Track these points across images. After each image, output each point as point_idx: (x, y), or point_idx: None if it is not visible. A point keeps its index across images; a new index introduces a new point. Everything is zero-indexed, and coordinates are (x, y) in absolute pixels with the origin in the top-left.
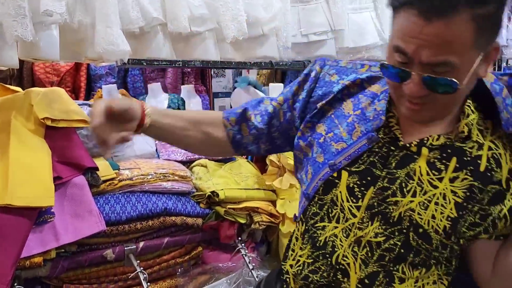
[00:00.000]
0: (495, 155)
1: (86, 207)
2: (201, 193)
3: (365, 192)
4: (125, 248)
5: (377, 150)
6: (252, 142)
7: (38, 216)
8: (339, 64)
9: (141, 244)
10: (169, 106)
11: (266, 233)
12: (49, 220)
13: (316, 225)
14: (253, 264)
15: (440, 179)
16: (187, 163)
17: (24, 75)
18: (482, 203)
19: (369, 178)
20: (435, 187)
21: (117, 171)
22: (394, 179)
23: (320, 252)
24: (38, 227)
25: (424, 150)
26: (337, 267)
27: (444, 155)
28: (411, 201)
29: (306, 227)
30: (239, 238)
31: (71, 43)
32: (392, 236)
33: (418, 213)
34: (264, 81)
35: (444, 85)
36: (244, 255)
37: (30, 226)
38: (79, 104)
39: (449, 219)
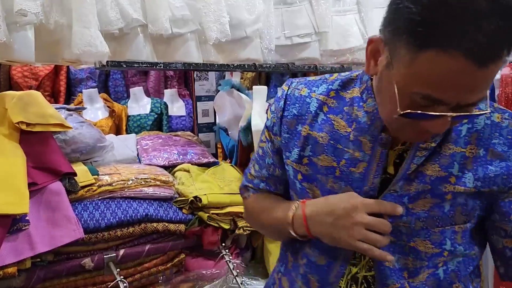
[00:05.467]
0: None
1: (63, 214)
2: (184, 198)
3: None
4: (105, 256)
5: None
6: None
7: (12, 224)
8: (306, 79)
9: (122, 252)
10: (151, 111)
11: (250, 238)
12: (23, 228)
13: None
14: (237, 271)
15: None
16: (170, 168)
17: (1, 79)
18: None
19: None
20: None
21: (96, 176)
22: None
23: None
24: (12, 235)
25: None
26: None
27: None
28: None
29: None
30: (223, 244)
31: (47, 45)
32: None
33: None
34: (248, 84)
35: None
36: (228, 262)
37: (4, 234)
38: (57, 108)
39: None
